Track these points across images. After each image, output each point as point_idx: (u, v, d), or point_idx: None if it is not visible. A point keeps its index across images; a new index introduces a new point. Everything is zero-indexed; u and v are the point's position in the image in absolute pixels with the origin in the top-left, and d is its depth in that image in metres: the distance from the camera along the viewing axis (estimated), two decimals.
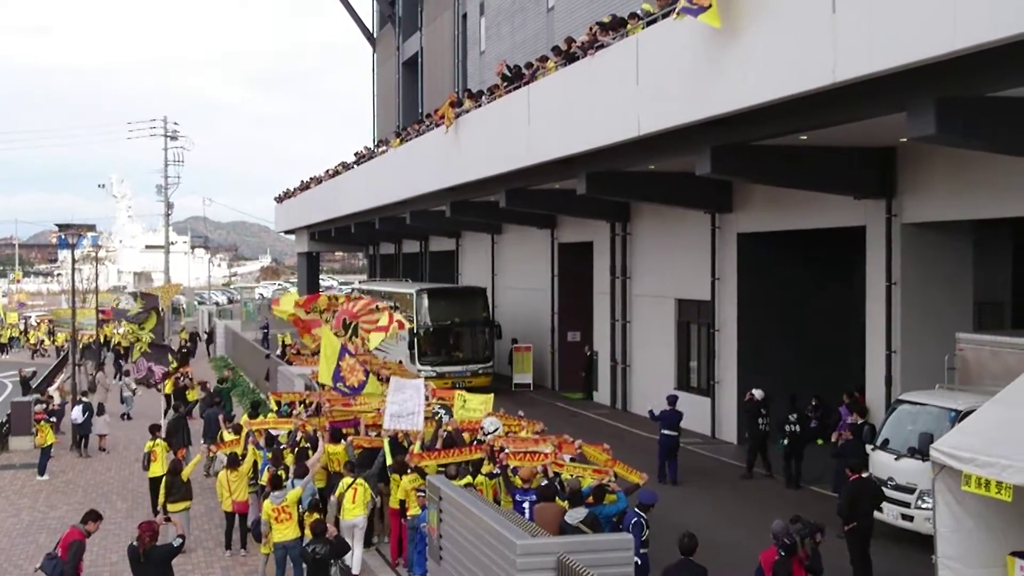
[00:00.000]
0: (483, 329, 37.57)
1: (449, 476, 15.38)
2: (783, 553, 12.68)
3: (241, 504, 19.05)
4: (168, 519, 17.23)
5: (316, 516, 15.95)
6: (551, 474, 15.98)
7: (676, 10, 17.98)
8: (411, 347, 36.53)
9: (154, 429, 22.63)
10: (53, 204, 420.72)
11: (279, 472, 16.88)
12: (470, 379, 35.35)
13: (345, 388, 20.38)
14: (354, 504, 16.61)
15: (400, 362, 34.59)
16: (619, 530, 13.83)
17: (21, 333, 69.97)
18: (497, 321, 38.22)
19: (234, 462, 19.16)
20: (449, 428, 19.21)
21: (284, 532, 15.83)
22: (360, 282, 48.45)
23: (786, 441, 21.97)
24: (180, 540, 14.53)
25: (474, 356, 37.09)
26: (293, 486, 16.63)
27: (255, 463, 19.69)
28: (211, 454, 21.98)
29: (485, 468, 16.47)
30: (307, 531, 15.79)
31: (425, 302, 37.39)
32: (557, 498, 14.76)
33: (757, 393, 22.93)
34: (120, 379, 46.86)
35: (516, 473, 15.93)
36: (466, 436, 18.77)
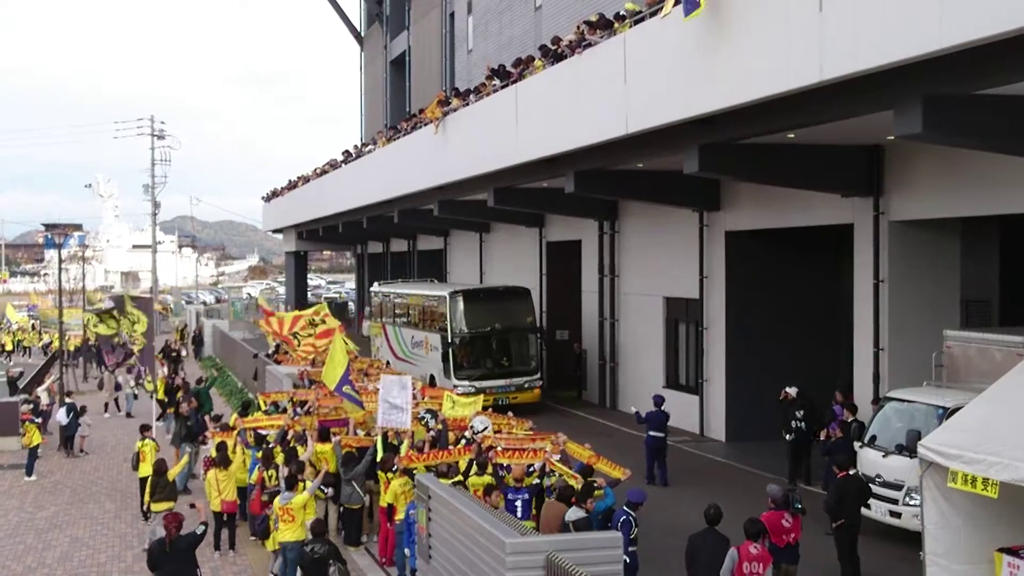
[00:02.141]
0: (529, 336, 32.69)
1: (439, 475, 15.39)
2: (799, 507, 14.36)
3: (230, 504, 19.02)
4: (193, 505, 17.56)
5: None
6: (548, 470, 16.03)
7: (664, 12, 18.10)
8: (445, 359, 31.99)
9: (144, 429, 22.59)
10: (39, 204, 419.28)
11: (294, 472, 16.92)
12: (515, 394, 31.03)
13: (354, 393, 20.37)
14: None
15: (432, 376, 32.46)
16: (607, 528, 13.88)
17: (25, 333, 67.63)
18: (545, 327, 33.68)
19: (223, 461, 19.15)
20: (439, 427, 19.25)
21: (284, 533, 15.87)
22: (380, 284, 43.83)
23: (790, 437, 21.92)
24: (203, 527, 14.82)
25: (519, 368, 32.11)
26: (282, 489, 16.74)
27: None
28: (202, 441, 22.11)
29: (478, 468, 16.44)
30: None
31: (460, 306, 32.38)
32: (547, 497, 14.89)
33: (791, 390, 22.42)
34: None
35: (509, 471, 15.97)
36: (451, 436, 18.78)
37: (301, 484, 16.26)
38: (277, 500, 16.08)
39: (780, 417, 22.40)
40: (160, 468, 19.40)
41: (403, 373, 26.70)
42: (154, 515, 19.11)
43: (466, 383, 30.54)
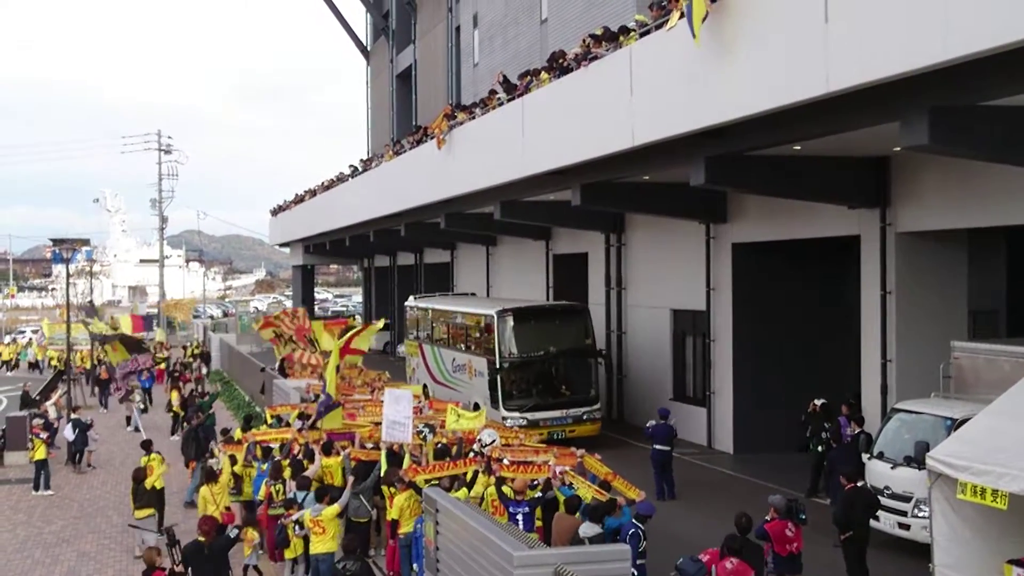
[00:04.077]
0: (586, 360, 28.96)
1: (444, 489, 15.35)
2: (803, 517, 14.70)
3: (228, 516, 19.11)
4: (228, 508, 18.79)
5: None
6: (564, 482, 16.00)
7: (670, 24, 18.18)
8: (492, 387, 28.24)
9: (146, 445, 22.62)
10: (46, 219, 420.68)
11: (323, 482, 17.24)
12: (572, 427, 27.59)
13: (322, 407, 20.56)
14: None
15: (476, 405, 27.50)
16: (617, 542, 13.85)
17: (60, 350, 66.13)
18: (603, 349, 30.18)
19: (211, 476, 19.44)
20: (443, 440, 19.22)
21: (316, 545, 15.97)
22: (415, 297, 39.50)
23: (820, 448, 21.70)
24: (236, 531, 15.26)
25: (577, 397, 28.42)
26: (297, 499, 16.83)
27: (241, 474, 20.35)
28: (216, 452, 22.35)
29: (482, 480, 16.41)
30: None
31: (509, 326, 28.72)
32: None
33: (819, 402, 22.21)
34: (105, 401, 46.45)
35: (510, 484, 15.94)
36: (454, 449, 18.75)
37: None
38: (308, 512, 16.16)
39: (804, 430, 22.17)
40: (139, 476, 19.85)
41: (403, 390, 26.33)
42: (138, 522, 19.56)
43: (517, 414, 27.39)
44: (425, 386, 33.16)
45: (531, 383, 28.77)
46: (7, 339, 75.17)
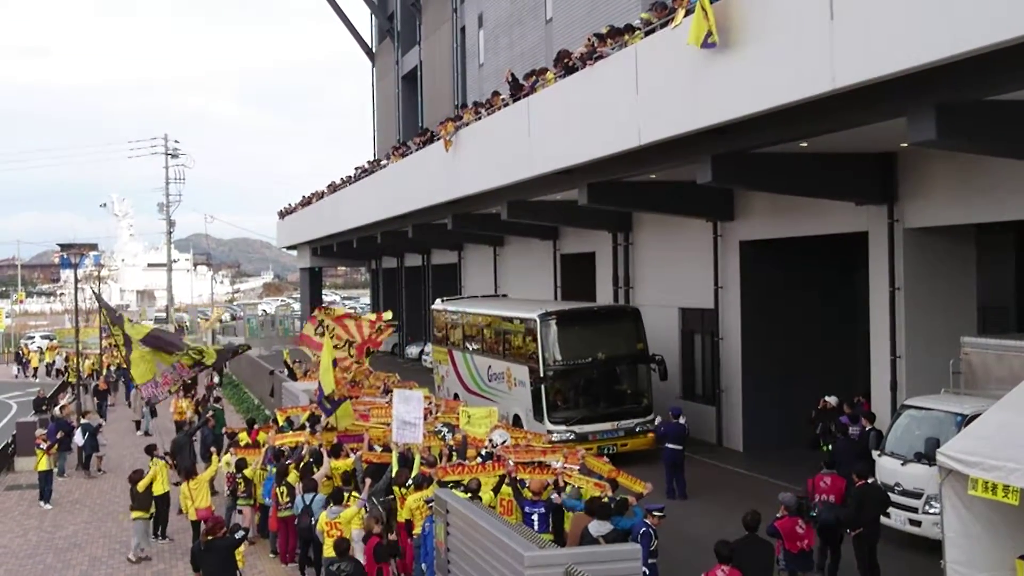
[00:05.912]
0: (639, 366, 26.86)
1: (471, 490, 15.26)
2: (813, 514, 14.91)
3: (204, 511, 19.19)
4: (240, 511, 19.55)
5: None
6: (561, 483, 15.99)
7: (675, 23, 18.18)
8: (536, 398, 26.15)
9: (150, 449, 22.63)
10: (54, 224, 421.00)
11: (338, 486, 17.29)
12: (624, 440, 25.48)
13: (326, 403, 20.54)
14: None
15: (516, 417, 27.02)
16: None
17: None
18: (659, 355, 27.10)
19: (190, 473, 19.91)
20: (453, 442, 19.22)
21: (330, 549, 15.92)
22: (443, 300, 37.08)
23: (831, 446, 21.61)
24: (243, 533, 15.86)
25: (628, 407, 26.26)
26: (304, 501, 16.85)
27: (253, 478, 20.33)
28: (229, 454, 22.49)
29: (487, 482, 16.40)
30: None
31: (553, 331, 26.51)
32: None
33: (832, 400, 22.15)
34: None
35: (525, 485, 15.94)
36: (470, 452, 18.74)
37: (348, 496, 16.52)
38: (324, 514, 16.16)
39: (815, 427, 22.10)
40: (133, 478, 20.20)
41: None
42: (132, 523, 20.20)
43: (563, 428, 25.31)
44: (456, 395, 31.71)
45: (578, 393, 26.65)
46: (35, 346, 75.12)
